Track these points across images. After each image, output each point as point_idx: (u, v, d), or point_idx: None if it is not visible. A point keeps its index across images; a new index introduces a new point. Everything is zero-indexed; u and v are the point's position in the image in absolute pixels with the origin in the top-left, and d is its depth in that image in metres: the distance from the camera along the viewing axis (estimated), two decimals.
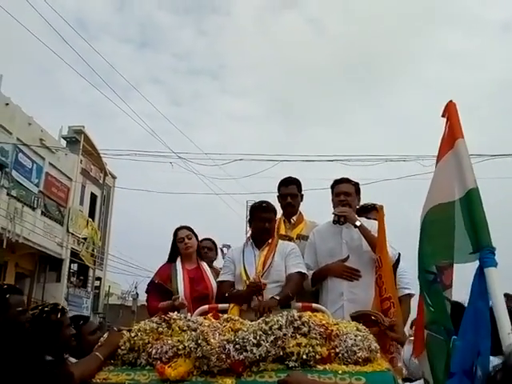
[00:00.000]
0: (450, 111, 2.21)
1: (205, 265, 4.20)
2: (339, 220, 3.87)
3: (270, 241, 3.86)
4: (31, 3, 14.06)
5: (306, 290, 3.89)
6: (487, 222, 1.86)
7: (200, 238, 4.61)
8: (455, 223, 1.95)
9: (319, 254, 3.98)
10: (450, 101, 2.24)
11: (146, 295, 4.25)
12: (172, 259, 4.17)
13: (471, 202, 1.91)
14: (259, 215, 3.88)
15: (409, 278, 3.94)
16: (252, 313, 3.38)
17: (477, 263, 1.78)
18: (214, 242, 4.93)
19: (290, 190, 4.33)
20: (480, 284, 1.72)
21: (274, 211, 4.01)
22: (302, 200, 4.42)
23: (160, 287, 4.01)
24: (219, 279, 3.92)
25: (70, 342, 2.87)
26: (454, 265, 1.95)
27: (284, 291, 3.57)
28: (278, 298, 3.48)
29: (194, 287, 3.96)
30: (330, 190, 4.17)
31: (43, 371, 2.20)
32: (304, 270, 3.77)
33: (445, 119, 2.22)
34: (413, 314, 3.60)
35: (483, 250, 1.77)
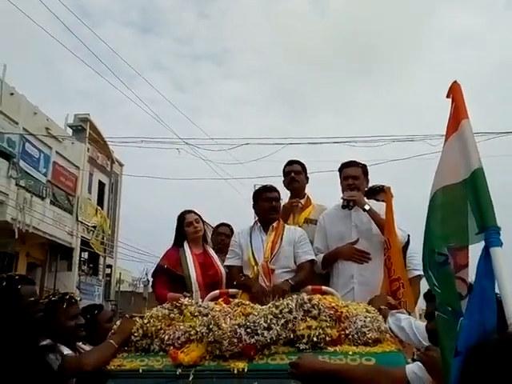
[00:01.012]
0: (454, 92, 2.19)
1: (211, 250, 4.18)
2: (348, 205, 3.88)
3: (275, 224, 3.87)
4: None
5: (316, 272, 3.93)
6: (492, 201, 1.86)
7: (215, 224, 4.62)
8: (465, 204, 1.96)
9: (329, 237, 4.00)
10: (455, 81, 2.23)
11: (151, 279, 4.19)
12: (178, 243, 4.10)
13: (476, 181, 1.91)
14: (264, 195, 3.91)
15: (418, 260, 3.93)
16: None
17: (482, 243, 1.78)
18: (231, 228, 4.70)
19: (294, 167, 4.38)
20: (486, 264, 1.72)
21: (278, 191, 4.04)
22: (307, 182, 4.45)
23: (169, 272, 3.94)
24: (226, 263, 3.91)
25: (75, 333, 2.83)
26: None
27: (297, 278, 3.60)
28: (291, 282, 3.51)
29: (204, 272, 3.92)
30: (337, 173, 4.18)
31: (34, 357, 2.25)
32: (314, 257, 3.82)
33: (450, 100, 2.21)
34: None
35: (488, 230, 1.78)
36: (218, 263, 4.03)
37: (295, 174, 4.33)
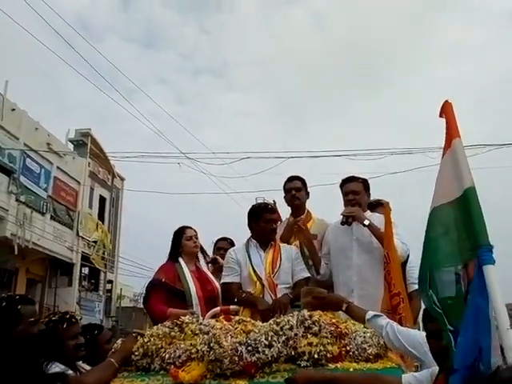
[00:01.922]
0: (446, 111, 2.23)
1: (203, 266, 4.16)
2: (347, 221, 3.91)
3: (272, 242, 3.92)
4: (34, 8, 14.12)
5: (320, 280, 4.01)
6: (484, 220, 1.89)
7: (214, 237, 4.63)
8: (458, 223, 1.99)
9: (332, 250, 4.06)
10: (446, 100, 2.26)
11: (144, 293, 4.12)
12: (173, 258, 4.05)
13: (468, 200, 1.94)
14: (266, 217, 3.92)
15: (418, 273, 3.95)
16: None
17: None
18: (231, 243, 4.65)
19: (294, 184, 4.36)
20: (479, 281, 1.75)
21: (278, 212, 4.12)
22: (308, 197, 4.44)
23: (166, 286, 3.85)
24: (224, 280, 3.87)
25: (76, 353, 2.82)
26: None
27: (294, 294, 3.62)
28: (291, 296, 3.54)
29: (203, 287, 3.90)
30: (337, 185, 4.24)
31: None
32: (309, 275, 3.90)
33: (444, 119, 2.24)
34: None
35: (481, 248, 1.80)
36: (213, 279, 4.04)
37: (296, 192, 4.33)
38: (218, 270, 4.22)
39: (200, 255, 4.20)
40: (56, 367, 2.56)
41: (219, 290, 3.93)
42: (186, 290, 3.84)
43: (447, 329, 1.89)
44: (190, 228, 4.18)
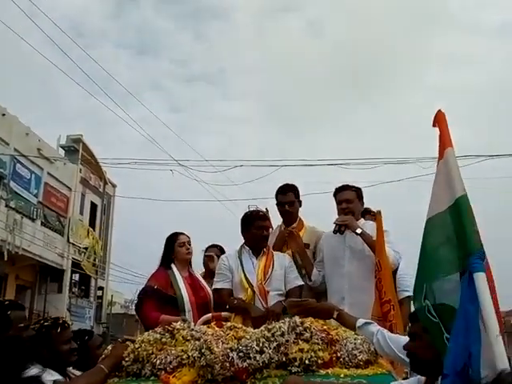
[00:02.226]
0: (439, 120, 2.26)
1: (196, 272, 4.18)
2: (340, 229, 3.94)
3: (265, 249, 3.92)
4: (26, 13, 14.11)
5: (312, 287, 4.07)
6: (476, 227, 1.91)
7: (207, 245, 4.62)
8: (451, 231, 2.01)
9: (325, 258, 4.10)
10: (439, 110, 2.29)
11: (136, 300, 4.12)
12: (165, 265, 4.05)
13: (460, 208, 1.97)
14: (257, 224, 3.92)
15: (409, 281, 3.98)
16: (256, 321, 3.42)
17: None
18: (221, 249, 4.65)
19: (287, 197, 4.31)
20: (469, 288, 1.77)
21: (269, 219, 4.13)
22: (300, 206, 4.42)
23: (159, 293, 3.86)
24: (216, 287, 3.86)
25: (69, 358, 2.83)
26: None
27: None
28: (284, 304, 3.54)
29: (196, 294, 3.91)
30: (330, 194, 4.26)
31: None
32: (302, 283, 3.92)
33: (437, 129, 2.27)
34: None
35: (472, 256, 1.82)
36: (206, 285, 4.03)
37: (289, 206, 4.30)
38: (209, 276, 4.22)
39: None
40: (50, 376, 2.55)
41: (211, 296, 3.93)
42: (178, 297, 3.84)
43: (444, 336, 1.91)
44: (183, 234, 4.17)
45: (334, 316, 2.92)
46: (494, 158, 13.82)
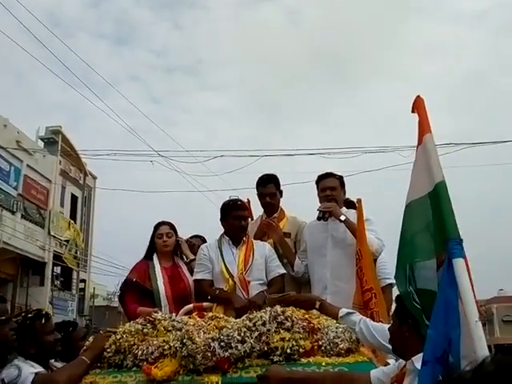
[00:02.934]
0: (417, 106, 2.26)
1: (181, 262, 4.10)
2: (324, 216, 3.94)
3: (245, 239, 3.89)
4: (2, 3, 13.83)
5: (295, 276, 4.08)
6: (454, 214, 1.92)
7: (188, 235, 4.57)
8: (430, 217, 2.03)
9: (308, 247, 4.09)
10: (418, 96, 2.30)
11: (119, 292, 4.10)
12: (149, 256, 4.03)
13: (439, 194, 1.98)
14: (234, 213, 3.87)
15: (389, 268, 4.01)
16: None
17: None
18: (204, 240, 4.53)
19: (268, 189, 4.30)
20: (449, 274, 1.78)
21: (247, 208, 4.09)
22: (281, 196, 4.41)
23: (137, 286, 3.86)
24: (196, 277, 3.83)
25: (54, 348, 2.84)
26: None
27: (271, 291, 3.62)
28: (266, 294, 3.54)
29: (173, 286, 3.86)
30: (312, 184, 4.25)
31: None
32: (284, 271, 3.89)
33: (416, 114, 2.27)
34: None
35: (451, 242, 1.84)
36: (187, 276, 3.97)
37: (270, 198, 4.29)
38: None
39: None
40: (32, 368, 2.54)
41: (192, 287, 3.89)
42: (154, 291, 3.82)
43: (425, 324, 1.92)
44: (164, 224, 4.10)
45: (317, 306, 2.93)
46: (475, 145, 13.96)
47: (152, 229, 4.12)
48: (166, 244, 4.02)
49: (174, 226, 4.15)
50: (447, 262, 1.81)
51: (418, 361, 1.94)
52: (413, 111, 2.29)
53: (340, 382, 2.35)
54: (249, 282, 3.66)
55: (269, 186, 4.31)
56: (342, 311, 2.83)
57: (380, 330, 2.63)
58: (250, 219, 4.23)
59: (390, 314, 3.97)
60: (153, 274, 3.89)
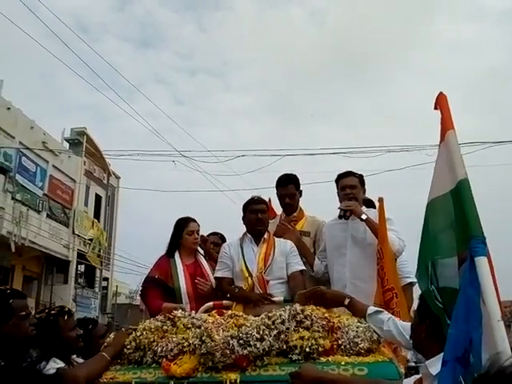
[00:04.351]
0: (440, 103, 2.22)
1: (202, 259, 4.09)
2: (345, 215, 3.92)
3: (266, 236, 3.87)
4: (30, 8, 14.07)
5: (315, 277, 4.05)
6: (477, 211, 1.89)
7: (207, 233, 4.57)
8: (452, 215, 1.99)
9: (328, 247, 4.08)
10: (440, 92, 2.26)
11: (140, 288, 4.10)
12: (170, 252, 4.01)
13: (461, 192, 1.94)
14: (251, 207, 3.87)
15: (409, 267, 3.97)
16: (255, 308, 3.42)
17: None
18: (222, 237, 4.61)
19: (288, 190, 4.29)
20: (470, 273, 1.75)
21: (265, 202, 4.02)
22: (300, 196, 4.39)
23: (160, 283, 3.86)
24: (217, 275, 3.85)
25: (76, 344, 2.88)
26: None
27: (291, 291, 3.59)
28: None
29: (195, 284, 3.85)
30: (333, 183, 4.21)
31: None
32: (304, 267, 3.85)
33: (439, 111, 2.24)
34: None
35: (473, 240, 1.80)
36: (210, 274, 3.96)
37: (290, 199, 4.28)
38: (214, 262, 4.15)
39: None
40: (54, 363, 2.57)
41: (213, 284, 3.89)
42: (176, 289, 3.83)
43: (447, 323, 1.89)
44: (194, 221, 4.07)
45: (346, 303, 2.89)
46: (500, 144, 13.72)
47: (175, 224, 4.08)
48: (197, 241, 4.03)
49: (199, 223, 4.13)
50: (469, 261, 1.77)
51: (431, 365, 1.91)
52: (435, 108, 2.26)
53: None
54: (267, 282, 3.64)
55: (289, 187, 4.30)
56: (370, 309, 2.79)
57: (408, 328, 2.59)
58: (271, 218, 4.20)
59: (411, 312, 3.96)
60: (174, 272, 3.89)
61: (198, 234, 4.04)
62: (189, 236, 3.99)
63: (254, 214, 3.84)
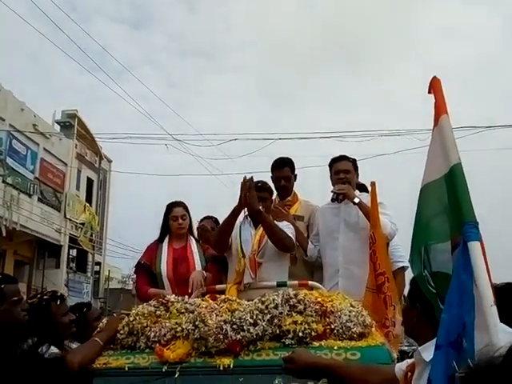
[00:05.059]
0: (434, 87, 2.21)
1: (193, 242, 4.03)
2: (338, 198, 3.92)
3: None
4: None
5: (308, 261, 4.10)
6: (470, 196, 1.89)
7: (201, 217, 4.55)
8: (446, 199, 1.99)
9: (321, 231, 4.09)
10: (434, 76, 2.25)
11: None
12: (162, 237, 4.01)
13: (454, 177, 1.94)
14: None
15: (401, 252, 3.99)
16: (248, 291, 3.43)
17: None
18: (216, 221, 4.53)
19: (283, 172, 4.30)
20: (463, 258, 1.75)
21: (269, 190, 3.99)
22: (295, 180, 4.41)
23: (147, 268, 3.89)
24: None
25: (69, 329, 2.89)
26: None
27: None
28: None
29: (176, 268, 3.84)
30: (326, 168, 4.22)
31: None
32: (293, 237, 3.79)
33: (432, 96, 2.23)
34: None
35: (466, 225, 1.80)
36: (195, 257, 3.91)
37: (285, 181, 4.29)
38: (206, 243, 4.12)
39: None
40: (51, 350, 2.57)
41: (198, 268, 3.86)
42: (157, 273, 3.83)
43: (440, 308, 1.89)
44: (178, 206, 4.04)
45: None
46: (492, 128, 13.78)
47: (164, 210, 4.06)
48: (182, 227, 3.98)
49: (187, 206, 4.09)
50: (462, 245, 1.77)
51: (424, 351, 1.91)
52: (429, 92, 2.24)
53: (366, 370, 2.33)
54: (260, 264, 3.63)
55: (284, 170, 4.32)
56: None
57: None
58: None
59: (403, 297, 3.99)
60: (158, 257, 3.89)
61: (183, 219, 3.99)
62: (173, 222, 3.97)
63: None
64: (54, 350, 2.60)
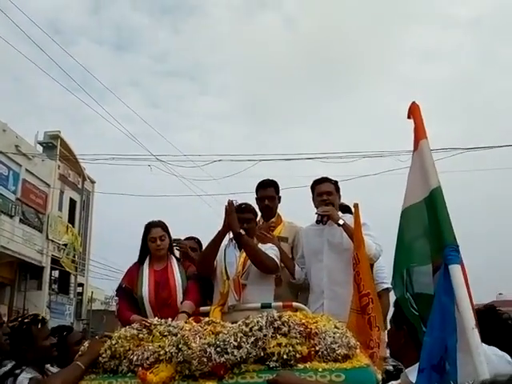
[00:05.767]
0: (413, 112, 2.26)
1: (174, 262, 3.90)
2: (322, 219, 3.94)
3: None
4: (2, 9, 13.86)
5: (294, 283, 4.09)
6: (450, 219, 1.92)
7: (183, 237, 4.49)
8: (426, 223, 2.02)
9: (305, 253, 4.09)
10: (413, 102, 2.30)
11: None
12: (142, 259, 3.89)
13: (435, 200, 1.98)
14: (237, 216, 3.80)
15: (386, 273, 4.01)
16: (233, 313, 3.41)
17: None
18: (198, 242, 4.43)
19: (268, 192, 4.31)
20: (445, 281, 1.77)
21: (253, 212, 3.98)
22: (279, 202, 4.41)
23: (128, 292, 3.76)
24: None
25: (50, 353, 2.84)
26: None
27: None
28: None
29: (158, 292, 3.71)
30: (309, 189, 4.23)
31: None
32: (276, 259, 3.77)
33: (412, 120, 2.27)
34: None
35: (447, 248, 1.83)
36: (177, 280, 3.78)
37: (269, 201, 4.29)
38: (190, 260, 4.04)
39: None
40: (27, 374, 2.53)
41: (179, 291, 3.73)
42: (139, 297, 3.71)
43: (423, 330, 1.91)
44: (157, 227, 3.90)
45: None
46: (470, 150, 14.01)
47: (143, 230, 3.94)
48: (160, 248, 3.86)
49: (166, 226, 3.96)
50: (443, 268, 1.80)
51: (411, 373, 1.92)
52: (409, 117, 2.29)
53: None
54: (244, 286, 3.62)
55: (269, 190, 4.33)
56: None
57: None
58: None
59: (388, 318, 3.99)
60: (140, 280, 3.77)
61: (161, 240, 3.86)
62: (152, 243, 3.86)
63: (240, 223, 3.78)
64: (29, 374, 2.57)
